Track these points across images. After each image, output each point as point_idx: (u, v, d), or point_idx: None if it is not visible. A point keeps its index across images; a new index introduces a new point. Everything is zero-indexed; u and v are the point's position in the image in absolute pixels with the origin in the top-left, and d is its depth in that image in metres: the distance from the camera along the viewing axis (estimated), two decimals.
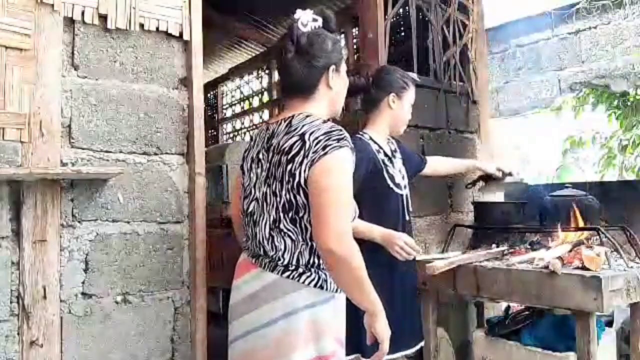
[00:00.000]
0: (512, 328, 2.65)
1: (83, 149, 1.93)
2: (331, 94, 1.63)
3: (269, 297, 1.49)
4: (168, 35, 2.13)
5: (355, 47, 3.94)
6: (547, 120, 5.27)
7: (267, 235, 1.53)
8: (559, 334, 2.44)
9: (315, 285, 1.48)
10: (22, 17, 1.82)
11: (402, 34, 3.34)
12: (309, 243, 1.50)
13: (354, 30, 3.93)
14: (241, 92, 7.24)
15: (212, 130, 7.62)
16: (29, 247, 1.79)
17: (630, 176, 4.46)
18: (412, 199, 2.89)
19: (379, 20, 2.91)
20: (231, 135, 7.45)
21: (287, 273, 1.49)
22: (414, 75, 3.01)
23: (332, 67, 1.60)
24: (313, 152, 1.44)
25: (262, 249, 1.55)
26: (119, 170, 1.92)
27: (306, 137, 1.47)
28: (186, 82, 2.18)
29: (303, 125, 1.50)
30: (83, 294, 1.91)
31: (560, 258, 2.21)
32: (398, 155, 2.30)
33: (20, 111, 1.80)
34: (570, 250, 2.30)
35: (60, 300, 1.85)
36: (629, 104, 4.45)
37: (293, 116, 1.56)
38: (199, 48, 2.18)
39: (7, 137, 1.78)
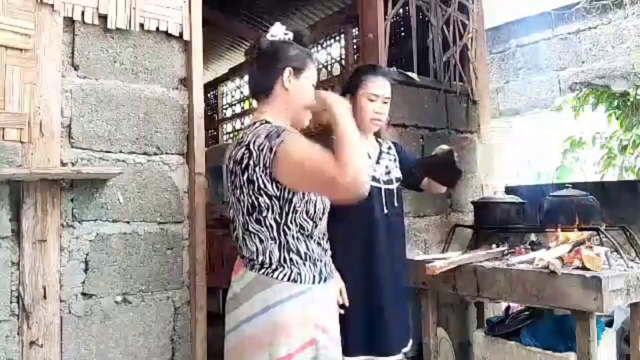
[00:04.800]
0: (512, 328, 2.65)
1: (83, 149, 1.93)
2: (287, 97, 1.66)
3: (249, 294, 1.58)
4: (168, 35, 2.13)
5: (355, 47, 3.94)
6: (547, 120, 5.26)
7: (241, 238, 1.62)
8: (559, 334, 2.44)
9: (288, 280, 1.55)
10: (22, 17, 1.82)
11: (402, 34, 3.33)
12: (277, 240, 1.57)
13: (354, 30, 3.93)
14: (241, 92, 7.24)
15: (212, 130, 7.61)
16: (29, 247, 1.79)
17: (630, 176, 4.46)
18: (412, 199, 2.91)
19: (379, 20, 2.91)
20: (231, 135, 7.45)
21: (263, 270, 1.57)
22: (414, 75, 3.02)
23: (289, 69, 1.64)
24: (264, 159, 1.50)
25: (242, 251, 1.64)
26: (119, 170, 1.92)
27: (251, 146, 1.54)
28: (186, 82, 2.18)
29: (249, 135, 1.58)
30: (83, 294, 1.91)
31: (560, 258, 2.21)
32: (391, 153, 2.29)
33: (20, 111, 1.80)
34: (570, 250, 2.30)
35: (60, 300, 1.85)
36: (629, 104, 4.44)
37: (249, 126, 1.65)
38: (199, 48, 2.18)
39: (7, 137, 1.78)
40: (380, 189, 2.15)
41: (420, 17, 3.17)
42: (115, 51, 2.02)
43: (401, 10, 3.14)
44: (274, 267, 1.56)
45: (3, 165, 1.76)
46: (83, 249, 1.91)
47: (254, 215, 1.57)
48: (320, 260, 1.64)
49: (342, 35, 4.09)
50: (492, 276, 2.36)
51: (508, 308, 2.83)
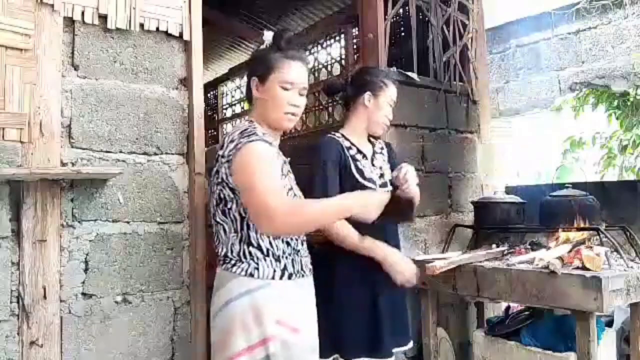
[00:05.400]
0: (512, 328, 2.65)
1: (83, 149, 1.93)
2: (260, 105, 1.71)
3: (216, 289, 1.64)
4: (168, 35, 2.13)
5: (355, 47, 3.94)
6: (547, 120, 5.27)
7: (214, 231, 1.69)
8: (559, 334, 2.44)
9: (245, 274, 1.57)
10: (22, 17, 1.82)
11: (402, 34, 3.33)
12: (239, 233, 1.61)
13: (354, 30, 3.93)
14: (241, 92, 7.24)
15: (212, 130, 7.61)
16: (29, 247, 1.79)
17: (630, 176, 4.46)
18: None
19: (379, 20, 2.91)
20: None
21: (224, 265, 1.62)
22: (414, 75, 3.02)
23: (254, 79, 1.70)
24: (228, 152, 1.57)
25: (216, 248, 1.69)
26: (119, 170, 1.92)
27: (226, 139, 1.62)
28: (186, 82, 2.18)
29: (230, 131, 1.66)
30: (83, 294, 1.91)
31: (560, 258, 2.21)
32: (384, 153, 2.29)
33: (20, 111, 1.80)
34: (570, 250, 2.30)
35: (60, 300, 1.85)
36: (629, 104, 4.45)
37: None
38: (199, 48, 2.18)
39: (7, 137, 1.78)
40: (375, 190, 2.15)
41: (420, 17, 3.17)
42: (115, 51, 2.02)
43: (401, 10, 3.14)
44: (233, 261, 1.60)
45: (3, 165, 1.76)
46: (83, 249, 1.91)
47: (221, 207, 1.62)
48: (286, 257, 1.63)
49: (342, 35, 4.08)
50: (492, 276, 2.36)
51: (508, 308, 2.83)
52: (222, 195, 1.61)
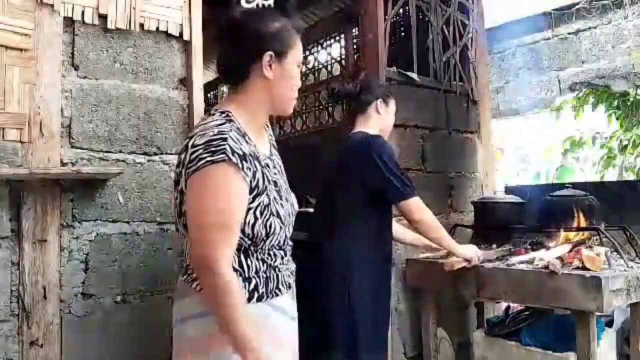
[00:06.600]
0: (512, 328, 2.65)
1: (83, 149, 1.93)
2: (267, 86, 1.34)
3: (175, 299, 1.43)
4: (168, 35, 2.13)
5: (355, 47, 3.94)
6: (547, 120, 5.27)
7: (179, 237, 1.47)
8: (559, 334, 2.44)
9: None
10: (22, 17, 1.82)
11: (402, 34, 3.33)
12: None
13: (354, 30, 3.93)
14: None
15: None
16: (29, 247, 1.79)
17: (630, 176, 4.46)
18: None
19: (379, 20, 2.91)
20: None
21: (185, 276, 1.38)
22: (414, 75, 3.02)
23: (270, 53, 1.31)
24: (189, 163, 1.26)
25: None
26: (119, 170, 1.92)
27: (189, 143, 1.28)
28: (186, 82, 2.18)
29: (198, 128, 1.32)
30: (83, 294, 1.91)
31: (560, 258, 2.21)
32: None
33: (20, 111, 1.81)
34: (570, 250, 2.30)
35: (60, 300, 1.85)
36: (629, 104, 4.44)
37: (206, 116, 1.40)
38: (199, 48, 2.19)
39: (7, 137, 1.78)
40: None
41: (420, 17, 3.17)
42: (115, 51, 2.02)
43: (401, 10, 3.14)
44: (194, 276, 1.33)
45: (3, 165, 1.76)
46: (83, 249, 1.92)
47: (182, 219, 1.33)
48: (260, 277, 1.35)
49: (342, 35, 4.08)
50: (492, 276, 2.36)
51: (508, 308, 2.83)
52: (183, 209, 1.31)
